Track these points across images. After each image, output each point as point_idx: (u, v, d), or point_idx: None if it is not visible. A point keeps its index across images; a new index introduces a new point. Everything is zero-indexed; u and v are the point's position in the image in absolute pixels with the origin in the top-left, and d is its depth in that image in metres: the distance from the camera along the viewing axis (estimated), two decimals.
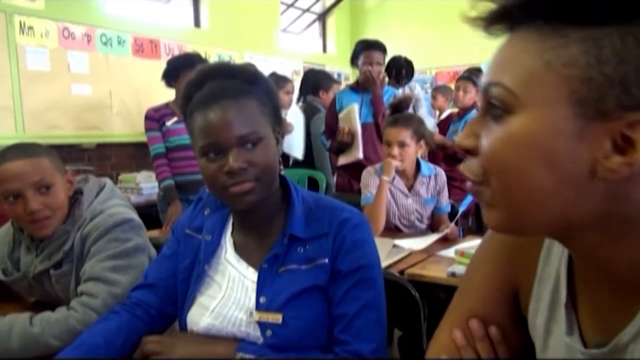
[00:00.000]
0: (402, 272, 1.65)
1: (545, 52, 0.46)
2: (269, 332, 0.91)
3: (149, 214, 2.75)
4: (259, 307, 0.92)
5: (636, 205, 0.46)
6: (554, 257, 0.62)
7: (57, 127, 3.75)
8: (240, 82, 0.93)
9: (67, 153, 3.78)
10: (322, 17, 6.72)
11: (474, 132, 0.51)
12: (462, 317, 0.70)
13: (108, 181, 1.36)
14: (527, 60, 0.47)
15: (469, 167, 0.52)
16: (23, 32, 3.60)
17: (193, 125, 0.92)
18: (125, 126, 4.15)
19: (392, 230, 2.28)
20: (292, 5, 6.14)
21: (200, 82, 0.93)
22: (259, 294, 0.93)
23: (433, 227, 2.32)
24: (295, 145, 3.67)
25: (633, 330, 0.49)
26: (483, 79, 0.51)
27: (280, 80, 3.61)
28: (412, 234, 2.24)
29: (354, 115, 3.00)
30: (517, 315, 0.68)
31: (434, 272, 1.65)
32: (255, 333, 0.92)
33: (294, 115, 3.67)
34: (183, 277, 1.02)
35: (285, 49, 5.84)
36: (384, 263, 1.64)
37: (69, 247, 1.22)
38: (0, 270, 1.31)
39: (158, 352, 0.91)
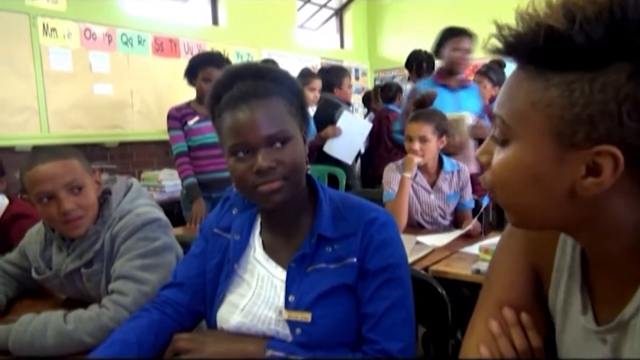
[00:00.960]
0: (426, 269, 1.64)
1: (532, 93, 0.55)
2: (298, 331, 0.91)
3: (172, 212, 2.79)
4: (287, 305, 0.93)
5: (615, 211, 0.56)
6: (569, 247, 0.68)
7: (80, 127, 3.81)
8: (268, 82, 0.94)
9: (90, 152, 3.84)
10: (339, 13, 6.70)
11: (489, 150, 0.63)
12: (493, 306, 0.74)
13: (135, 181, 1.38)
14: (518, 99, 0.57)
15: (484, 178, 0.64)
16: (46, 34, 3.67)
17: (222, 125, 0.93)
18: (146, 124, 4.21)
19: (415, 227, 2.27)
20: (308, 1, 6.14)
21: (229, 83, 0.94)
22: (287, 292, 0.94)
23: (456, 223, 2.30)
24: (345, 149, 3.57)
25: (634, 307, 0.57)
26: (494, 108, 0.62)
27: (305, 76, 3.52)
28: (435, 230, 2.23)
29: (465, 123, 2.78)
30: (541, 298, 0.73)
31: (458, 269, 1.64)
32: (284, 331, 0.93)
33: (347, 120, 3.56)
34: (212, 276, 1.03)
35: (302, 45, 5.85)
36: (408, 260, 1.63)
37: (100, 247, 1.24)
38: (33, 268, 1.34)
39: (189, 350, 0.93)
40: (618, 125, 0.50)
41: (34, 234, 1.38)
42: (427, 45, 3.70)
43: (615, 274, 0.60)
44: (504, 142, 0.59)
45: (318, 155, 3.61)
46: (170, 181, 3.57)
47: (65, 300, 1.38)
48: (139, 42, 4.19)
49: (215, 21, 5.05)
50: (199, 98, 2.72)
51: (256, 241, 1.02)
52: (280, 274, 0.97)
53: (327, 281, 0.93)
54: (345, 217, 0.97)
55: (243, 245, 1.02)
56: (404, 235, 2.02)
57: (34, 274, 1.33)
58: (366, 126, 3.72)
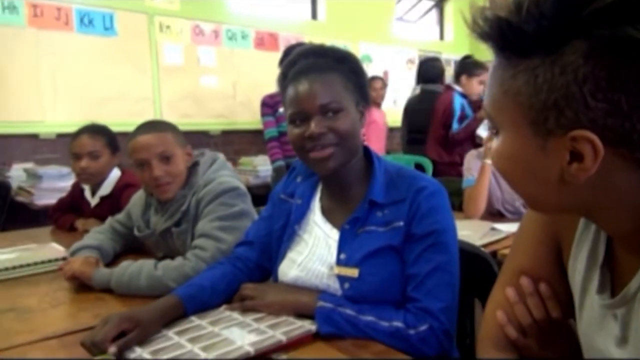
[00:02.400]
0: (494, 253, 1.64)
1: (504, 82, 0.55)
2: (346, 285, 1.01)
3: (264, 194, 2.99)
4: (339, 262, 1.02)
5: (620, 191, 0.54)
6: (593, 223, 0.65)
7: (189, 116, 4.18)
8: (329, 60, 1.05)
9: (197, 139, 4.18)
10: (440, 4, 6.59)
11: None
12: (513, 274, 0.75)
13: (221, 155, 1.56)
14: (494, 88, 0.57)
15: None
16: (161, 31, 4.07)
17: (285, 98, 1.06)
18: (247, 114, 4.50)
19: (496, 216, 2.24)
20: None
21: (295, 61, 1.07)
22: (339, 251, 1.03)
23: None
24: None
25: (638, 281, 0.56)
26: None
27: (476, 67, 3.45)
28: (516, 220, 2.18)
29: None
30: (563, 270, 0.71)
31: None
32: (335, 285, 1.03)
33: None
34: (277, 236, 1.16)
35: (400, 38, 5.84)
36: (478, 242, 1.64)
37: (186, 208, 1.43)
38: (135, 227, 1.56)
39: (253, 297, 1.06)
40: (584, 108, 0.49)
41: (137, 198, 1.60)
42: None
43: (635, 252, 0.58)
44: (496, 132, 0.60)
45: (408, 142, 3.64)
46: (264, 166, 3.80)
47: (160, 259, 1.59)
48: (242, 37, 4.49)
49: (314, 15, 5.23)
50: None
51: (316, 206, 1.13)
52: (335, 235, 1.07)
53: (375, 242, 1.01)
54: (397, 185, 1.04)
55: (304, 209, 1.13)
56: (479, 221, 2.03)
57: (135, 232, 1.55)
58: None
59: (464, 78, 3.43)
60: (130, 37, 3.90)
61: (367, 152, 1.11)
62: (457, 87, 3.48)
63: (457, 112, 3.43)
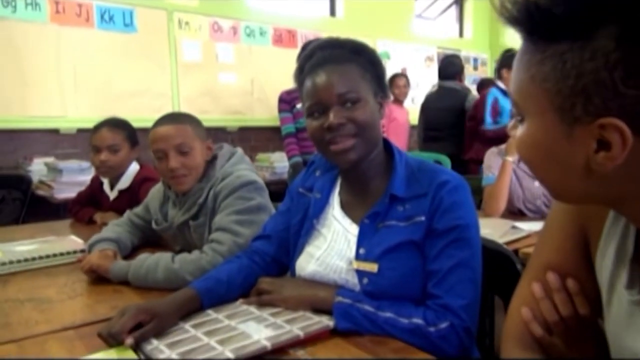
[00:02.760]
0: (516, 252, 1.61)
1: (531, 68, 0.53)
2: (365, 280, 0.99)
3: (281, 191, 2.99)
4: (358, 257, 1.00)
5: None
6: (622, 217, 0.63)
7: (206, 112, 4.19)
8: (346, 51, 1.04)
9: (214, 135, 4.19)
10: (459, 1, 6.51)
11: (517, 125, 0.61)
12: (540, 269, 0.72)
13: (239, 149, 1.55)
14: (520, 74, 0.55)
15: None
16: (180, 27, 4.09)
17: (303, 92, 1.04)
18: (264, 111, 4.50)
19: (516, 214, 2.20)
20: None
21: (311, 54, 1.06)
22: (359, 245, 1.01)
23: None
24: None
25: None
26: None
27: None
28: (538, 218, 2.14)
29: None
30: (591, 265, 0.68)
31: None
32: (353, 280, 1.01)
33: None
34: (295, 230, 1.15)
35: (419, 35, 5.80)
36: (499, 241, 1.61)
37: (203, 201, 1.42)
38: (153, 220, 1.56)
39: (270, 291, 1.04)
40: (613, 94, 0.47)
41: (156, 191, 1.60)
42: None
43: None
44: (521, 119, 0.58)
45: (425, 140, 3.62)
46: (280, 163, 3.80)
47: (178, 252, 1.59)
48: (261, 33, 4.49)
49: (332, 12, 5.21)
50: None
51: (335, 200, 1.11)
52: (354, 230, 1.05)
53: (396, 237, 0.98)
54: (418, 179, 1.02)
55: (323, 203, 1.11)
56: (500, 219, 1.99)
57: (153, 225, 1.55)
58: None
59: (504, 72, 3.38)
60: (150, 33, 3.93)
61: (387, 146, 1.09)
62: (499, 83, 3.44)
63: (489, 106, 3.39)
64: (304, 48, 2.90)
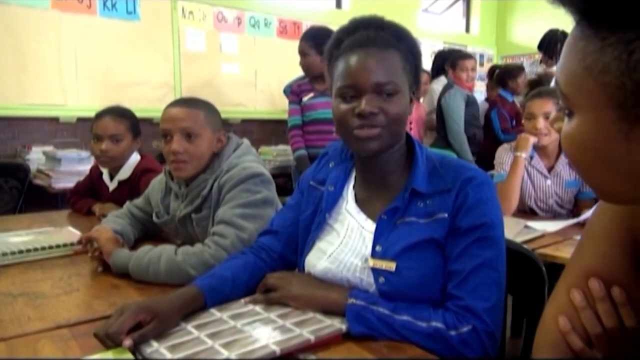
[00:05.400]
0: None
1: (586, 57, 0.48)
2: (381, 279, 0.92)
3: (284, 184, 2.93)
4: (374, 254, 0.94)
5: None
6: None
7: None
8: (390, 35, 0.96)
9: None
10: None
11: (561, 117, 0.56)
12: (581, 276, 0.65)
13: (245, 140, 1.48)
14: (573, 63, 0.50)
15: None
16: (184, 16, 4.00)
17: (335, 69, 0.97)
18: (267, 103, 4.42)
19: (527, 213, 2.14)
20: None
21: (353, 29, 0.98)
22: (375, 242, 0.95)
23: (576, 213, 2.12)
24: None
25: None
26: None
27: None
28: (550, 217, 2.08)
29: None
30: None
31: (569, 254, 1.52)
32: (368, 279, 0.94)
33: None
34: (305, 225, 1.08)
35: (425, 29, 5.71)
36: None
37: (207, 193, 1.36)
38: (154, 213, 1.50)
39: (277, 287, 0.98)
40: None
41: (157, 183, 1.54)
42: (567, 28, 3.43)
43: None
44: (569, 113, 0.52)
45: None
46: (284, 157, 3.72)
47: (179, 245, 1.53)
48: (265, 24, 4.41)
49: (338, 4, 5.13)
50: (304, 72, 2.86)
51: (349, 194, 1.05)
52: (370, 226, 0.98)
53: (416, 234, 0.92)
54: (441, 175, 0.96)
55: (336, 196, 1.05)
56: (512, 218, 1.93)
57: (154, 218, 1.49)
58: None
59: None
60: (153, 22, 3.85)
61: (408, 139, 1.03)
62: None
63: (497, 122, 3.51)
64: (308, 31, 2.85)
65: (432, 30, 5.82)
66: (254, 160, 1.40)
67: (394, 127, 0.94)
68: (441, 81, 3.99)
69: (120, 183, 2.04)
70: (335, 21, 4.72)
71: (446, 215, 0.91)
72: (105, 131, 1.94)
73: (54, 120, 3.51)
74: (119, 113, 2.00)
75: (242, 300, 1.00)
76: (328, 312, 0.92)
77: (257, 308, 0.96)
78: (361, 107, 0.91)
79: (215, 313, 0.94)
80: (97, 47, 3.61)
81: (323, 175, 1.10)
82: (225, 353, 0.76)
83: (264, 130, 4.48)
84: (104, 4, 3.63)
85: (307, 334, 0.83)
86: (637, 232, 0.63)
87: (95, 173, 2.19)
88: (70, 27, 3.49)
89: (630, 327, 0.61)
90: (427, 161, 0.98)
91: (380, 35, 0.94)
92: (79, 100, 3.55)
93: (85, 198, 2.14)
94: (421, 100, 4.41)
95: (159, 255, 1.19)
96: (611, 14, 0.44)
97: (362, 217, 1.01)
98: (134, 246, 1.47)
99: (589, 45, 0.47)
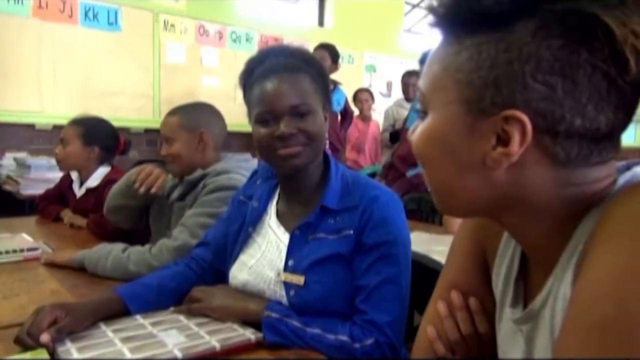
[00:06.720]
0: None
1: (446, 59, 0.52)
2: (292, 292, 0.98)
3: None
4: (286, 268, 1.00)
5: (531, 187, 0.51)
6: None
7: None
8: (299, 61, 1.03)
9: None
10: None
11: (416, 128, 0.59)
12: (446, 288, 0.72)
13: (257, 160, 1.53)
14: (434, 67, 0.54)
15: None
16: (166, 29, 4.08)
17: (251, 97, 1.04)
18: (245, 117, 4.45)
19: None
20: (417, 5, 6.10)
21: (262, 59, 1.05)
22: (288, 256, 1.01)
23: None
24: None
25: (542, 298, 0.54)
26: None
27: None
28: None
29: None
30: (491, 283, 0.69)
31: None
32: (281, 292, 1.00)
33: None
34: (232, 238, 1.14)
35: (408, 50, 5.82)
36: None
37: (193, 184, 1.46)
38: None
39: (200, 299, 1.03)
40: (522, 87, 0.47)
41: None
42: None
43: (540, 264, 0.56)
44: (423, 115, 0.56)
45: None
46: None
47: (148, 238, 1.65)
48: (247, 39, 4.50)
49: (321, 22, 5.23)
50: None
51: (272, 209, 1.11)
52: (287, 239, 1.04)
53: (324, 249, 0.98)
54: (351, 192, 1.02)
55: (260, 212, 1.11)
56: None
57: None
58: None
59: None
60: (134, 33, 3.92)
61: (325, 158, 1.09)
62: None
63: None
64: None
65: (413, 50, 5.92)
66: (247, 175, 1.46)
67: (314, 144, 1.01)
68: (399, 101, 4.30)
69: (88, 191, 2.08)
70: (317, 38, 4.86)
71: (351, 232, 0.97)
72: (61, 134, 2.07)
73: (30, 126, 3.54)
74: (77, 120, 2.09)
75: (170, 309, 1.05)
76: (246, 322, 0.97)
77: (180, 316, 1.01)
78: (280, 129, 0.97)
79: (138, 319, 0.99)
80: (77, 56, 3.67)
81: (251, 191, 1.16)
82: (128, 355, 0.81)
83: (243, 143, 4.53)
84: (86, 14, 3.70)
85: (214, 342, 0.88)
86: (484, 242, 0.69)
87: (66, 181, 2.23)
88: (50, 35, 3.55)
89: (483, 333, 0.68)
90: (342, 179, 1.04)
91: (290, 62, 1.01)
92: (56, 108, 3.60)
93: (54, 204, 2.18)
94: (373, 117, 4.62)
95: (109, 251, 1.28)
96: (470, 20, 0.50)
97: (280, 230, 1.07)
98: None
99: (449, 49, 0.52)
